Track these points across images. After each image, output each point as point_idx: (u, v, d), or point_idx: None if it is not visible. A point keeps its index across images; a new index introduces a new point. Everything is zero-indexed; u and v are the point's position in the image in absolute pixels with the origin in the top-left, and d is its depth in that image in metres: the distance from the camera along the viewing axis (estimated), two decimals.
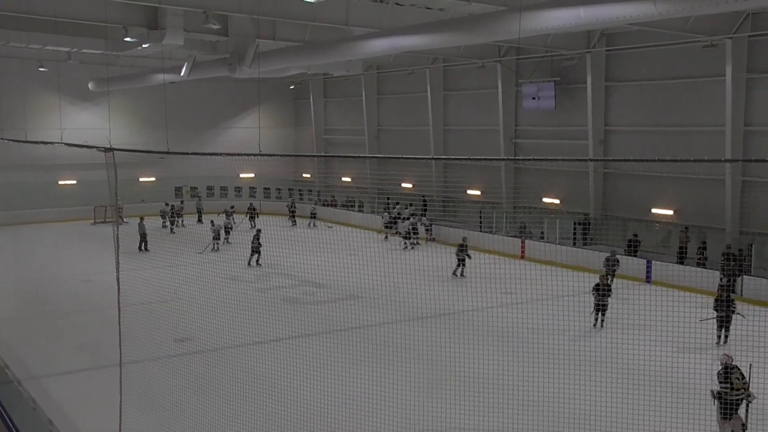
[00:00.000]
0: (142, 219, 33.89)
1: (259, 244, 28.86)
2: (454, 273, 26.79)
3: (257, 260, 28.91)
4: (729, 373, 12.84)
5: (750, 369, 12.81)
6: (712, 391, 12.94)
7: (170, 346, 17.25)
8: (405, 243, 33.40)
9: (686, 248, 25.97)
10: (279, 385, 13.86)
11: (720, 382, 12.85)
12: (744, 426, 12.77)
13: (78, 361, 17.54)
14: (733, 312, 18.21)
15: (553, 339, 17.70)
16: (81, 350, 18.41)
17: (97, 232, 37.95)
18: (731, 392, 12.66)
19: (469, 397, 13.67)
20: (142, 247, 32.50)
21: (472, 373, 15.81)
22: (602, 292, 19.69)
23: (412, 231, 34.29)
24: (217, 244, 32.34)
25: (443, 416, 13.32)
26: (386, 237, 35.80)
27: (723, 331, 18.22)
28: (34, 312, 22.13)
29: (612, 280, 22.21)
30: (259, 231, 29.54)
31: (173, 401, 14.09)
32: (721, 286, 20.32)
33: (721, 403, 12.66)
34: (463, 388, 14.44)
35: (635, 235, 27.95)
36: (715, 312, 18.33)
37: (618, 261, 24.27)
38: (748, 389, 12.71)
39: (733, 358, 13.17)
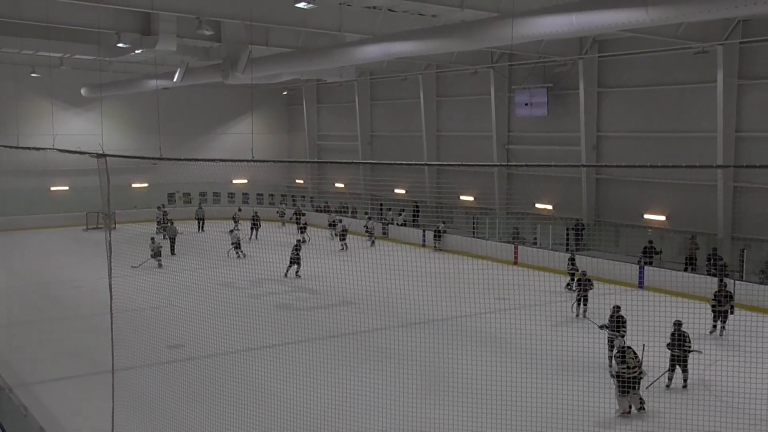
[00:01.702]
0: (171, 223, 34.21)
1: (298, 255, 27.84)
2: (568, 286, 25.20)
3: (297, 271, 27.77)
4: (624, 353, 13.99)
5: (644, 349, 14.24)
6: (611, 373, 14.27)
7: (163, 353, 17.20)
8: (342, 245, 34.54)
9: (695, 257, 25.60)
10: (272, 391, 13.83)
11: (618, 364, 13.97)
12: (642, 401, 14.07)
13: (70, 368, 17.45)
14: (689, 351, 15.50)
15: (547, 344, 17.68)
16: (73, 357, 18.32)
17: (89, 238, 37.81)
18: (628, 371, 13.83)
19: (463, 402, 13.67)
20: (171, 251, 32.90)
21: (466, 378, 15.81)
22: (615, 324, 16.80)
23: (368, 231, 36.01)
24: (159, 261, 30.07)
25: (437, 422, 13.30)
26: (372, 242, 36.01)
27: (675, 372, 15.64)
28: (26, 318, 22.02)
29: (585, 310, 20.83)
30: (299, 241, 28.75)
31: (165, 408, 14.03)
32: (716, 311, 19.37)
33: (618, 381, 13.85)
34: (456, 394, 14.44)
35: (650, 242, 26.75)
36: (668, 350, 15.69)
37: (590, 281, 21.65)
38: (640, 366, 14.05)
39: (625, 339, 14.74)
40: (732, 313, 19.22)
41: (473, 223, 35.14)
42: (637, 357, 14.09)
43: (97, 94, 41.07)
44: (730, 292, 19.43)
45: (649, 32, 23.79)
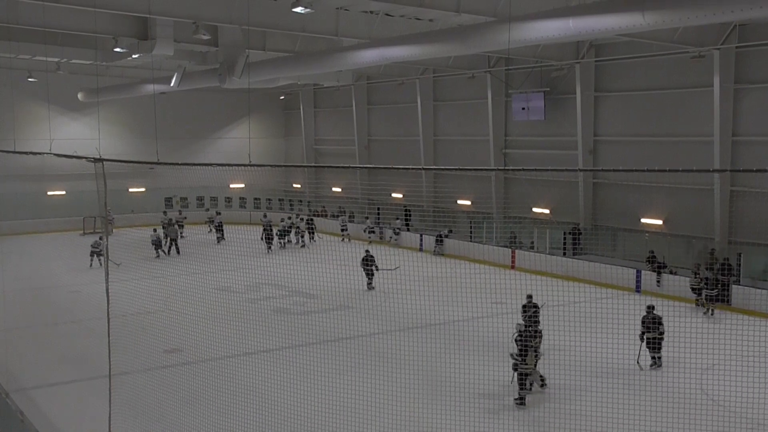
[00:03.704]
0: (173, 223, 34.97)
1: (374, 267, 26.03)
2: (707, 311, 22.53)
3: (369, 283, 26.12)
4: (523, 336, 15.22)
5: (541, 335, 15.68)
6: (511, 354, 15.25)
7: (159, 358, 17.18)
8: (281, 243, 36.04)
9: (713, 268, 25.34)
10: (269, 396, 13.80)
11: (517, 347, 15.15)
12: (543, 378, 15.50)
13: (67, 373, 17.43)
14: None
15: (544, 348, 17.68)
16: (70, 361, 18.30)
17: (86, 243, 37.70)
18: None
19: (460, 406, 13.67)
20: (172, 251, 33.60)
21: (463, 382, 15.81)
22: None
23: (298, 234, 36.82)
24: (92, 260, 31.23)
25: (434, 426, 13.29)
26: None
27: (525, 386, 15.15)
28: (23, 323, 21.98)
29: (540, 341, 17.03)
30: (368, 251, 26.74)
31: (163, 413, 14.02)
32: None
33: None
34: (453, 398, 14.44)
35: (652, 252, 25.96)
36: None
37: (537, 306, 18.51)
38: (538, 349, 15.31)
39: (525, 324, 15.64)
40: (662, 340, 17.09)
41: (470, 228, 35.14)
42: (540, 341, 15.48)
43: (94, 99, 41.05)
44: (659, 317, 17.20)
45: (646, 37, 23.84)
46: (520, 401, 14.92)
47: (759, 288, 22.84)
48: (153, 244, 33.15)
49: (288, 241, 36.87)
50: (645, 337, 17.16)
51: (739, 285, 23.45)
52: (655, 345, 17.03)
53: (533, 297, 18.78)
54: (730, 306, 22.73)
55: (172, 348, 17.74)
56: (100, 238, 32.14)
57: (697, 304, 22.75)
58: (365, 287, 25.98)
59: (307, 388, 14.83)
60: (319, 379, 15.80)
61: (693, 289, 23.00)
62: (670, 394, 14.31)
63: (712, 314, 22.02)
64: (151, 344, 16.96)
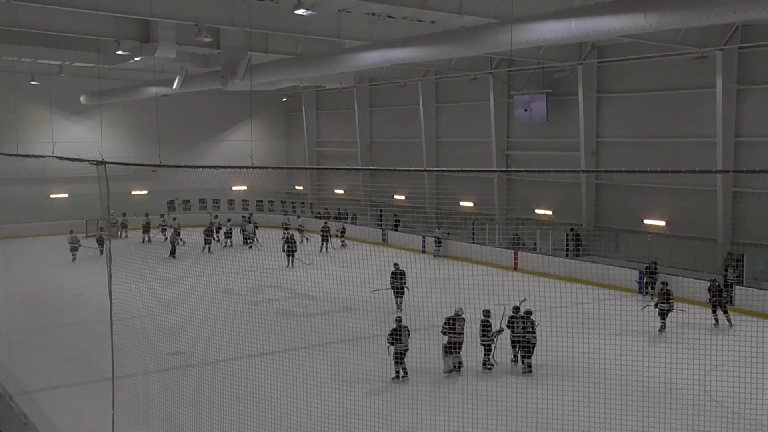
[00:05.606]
0: (168, 227, 35.89)
1: (401, 286, 23.12)
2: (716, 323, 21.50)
3: (399, 303, 23.09)
4: (455, 320, 16.77)
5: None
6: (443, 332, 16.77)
7: (163, 360, 17.18)
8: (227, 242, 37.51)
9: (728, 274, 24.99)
10: (272, 398, 13.81)
11: (446, 325, 16.80)
12: (461, 363, 16.76)
13: (70, 376, 17.42)
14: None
15: (544, 349, 17.67)
16: (73, 364, 18.30)
17: (89, 246, 37.74)
18: (456, 336, 16.72)
19: (462, 408, 13.67)
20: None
21: (464, 384, 15.81)
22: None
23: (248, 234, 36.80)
24: (74, 255, 33.52)
25: (435, 428, 13.28)
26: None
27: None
28: (26, 326, 21.99)
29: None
30: (396, 265, 23.56)
31: (166, 415, 14.01)
32: None
33: (446, 342, 16.78)
34: (455, 400, 14.43)
35: (654, 263, 25.19)
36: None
37: (490, 324, 17.33)
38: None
39: (463, 310, 16.87)
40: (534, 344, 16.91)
41: (473, 229, 35.12)
42: (463, 326, 16.80)
43: (97, 102, 41.09)
44: (533, 321, 17.03)
45: (648, 38, 23.84)
46: (404, 375, 16.42)
47: (762, 289, 22.79)
48: (69, 244, 33.66)
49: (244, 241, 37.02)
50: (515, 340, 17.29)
51: (743, 286, 23.41)
52: (526, 350, 17.04)
53: (528, 302, 18.22)
54: (733, 306, 22.68)
55: (174, 351, 17.75)
56: (71, 232, 34.45)
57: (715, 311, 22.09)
58: (394, 306, 23.14)
59: (311, 391, 14.82)
60: (322, 381, 15.78)
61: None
62: (672, 395, 14.28)
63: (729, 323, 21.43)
64: (153, 347, 16.97)
